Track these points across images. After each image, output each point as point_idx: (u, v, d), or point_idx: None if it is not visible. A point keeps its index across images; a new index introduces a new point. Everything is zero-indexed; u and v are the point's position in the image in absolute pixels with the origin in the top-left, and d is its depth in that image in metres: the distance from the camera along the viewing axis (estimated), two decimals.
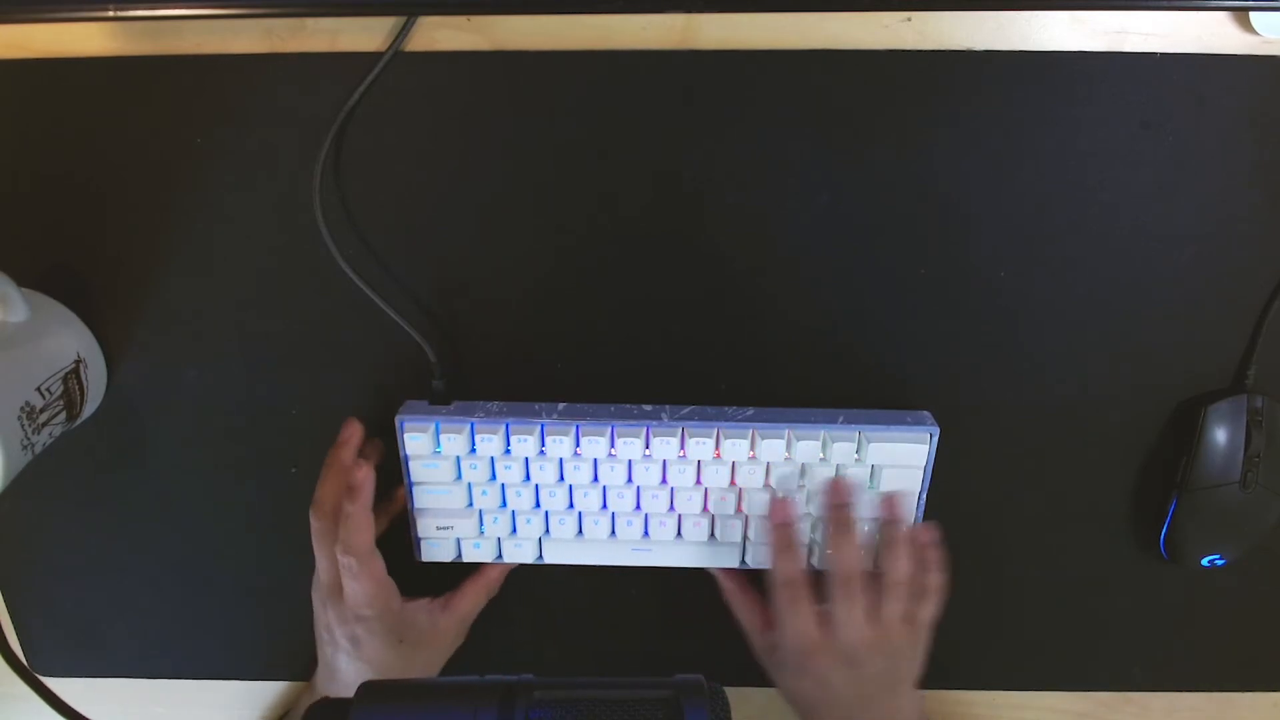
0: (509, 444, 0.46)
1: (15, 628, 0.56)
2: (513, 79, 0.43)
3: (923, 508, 0.48)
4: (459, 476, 0.48)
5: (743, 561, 0.50)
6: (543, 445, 0.47)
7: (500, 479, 0.48)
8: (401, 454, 0.47)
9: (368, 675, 0.46)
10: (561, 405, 0.48)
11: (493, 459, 0.47)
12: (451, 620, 0.50)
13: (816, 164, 0.44)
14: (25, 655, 0.57)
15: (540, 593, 0.54)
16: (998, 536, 0.52)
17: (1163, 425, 0.49)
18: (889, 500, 0.47)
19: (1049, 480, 0.50)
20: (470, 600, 0.51)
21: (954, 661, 0.55)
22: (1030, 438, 0.50)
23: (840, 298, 0.47)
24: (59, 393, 0.44)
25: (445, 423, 0.46)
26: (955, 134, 0.44)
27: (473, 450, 0.47)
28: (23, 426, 0.42)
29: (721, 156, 0.44)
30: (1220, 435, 0.47)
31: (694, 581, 0.53)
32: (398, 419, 0.47)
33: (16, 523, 0.53)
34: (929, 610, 0.46)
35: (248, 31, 0.42)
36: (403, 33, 0.42)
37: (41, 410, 0.43)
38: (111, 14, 0.36)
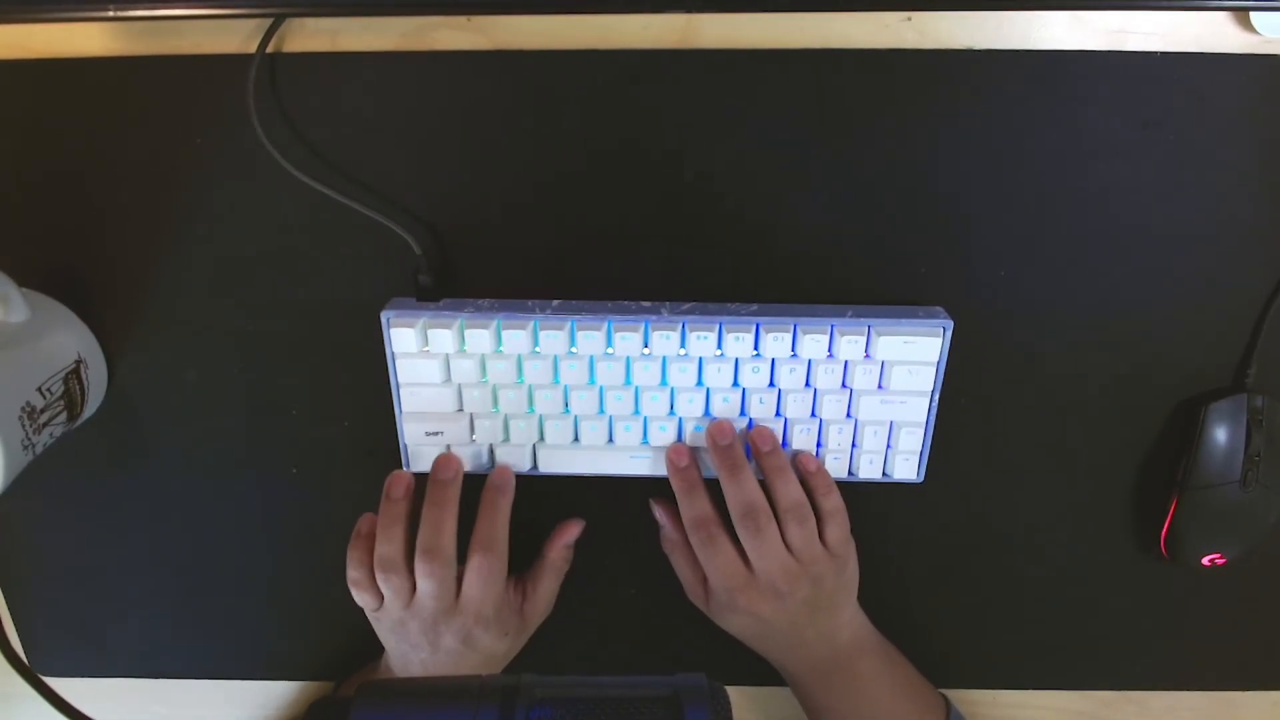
0: (500, 341, 0.44)
1: (16, 627, 0.56)
2: (513, 79, 0.43)
3: (935, 410, 0.47)
4: (448, 378, 0.46)
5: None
6: (536, 342, 0.45)
7: (491, 380, 0.46)
8: (387, 352, 0.45)
9: (478, 666, 0.47)
10: (556, 302, 0.46)
11: (483, 357, 0.45)
12: (535, 609, 0.50)
13: (816, 163, 0.44)
14: (26, 654, 0.57)
15: None
16: (997, 536, 0.52)
17: (1163, 425, 0.49)
18: (757, 433, 0.46)
19: (1049, 479, 0.50)
20: (545, 583, 0.50)
21: (955, 660, 0.55)
22: (1030, 437, 0.50)
23: (839, 298, 0.47)
24: (59, 393, 0.44)
25: (433, 318, 0.45)
26: (955, 134, 0.44)
27: (462, 348, 0.45)
28: (23, 426, 0.42)
29: (722, 156, 0.44)
30: (1220, 434, 0.47)
31: None
32: (382, 314, 0.45)
33: (16, 523, 0.53)
34: (837, 530, 0.46)
35: (248, 32, 0.42)
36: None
37: (42, 410, 0.43)
38: (111, 14, 0.36)
